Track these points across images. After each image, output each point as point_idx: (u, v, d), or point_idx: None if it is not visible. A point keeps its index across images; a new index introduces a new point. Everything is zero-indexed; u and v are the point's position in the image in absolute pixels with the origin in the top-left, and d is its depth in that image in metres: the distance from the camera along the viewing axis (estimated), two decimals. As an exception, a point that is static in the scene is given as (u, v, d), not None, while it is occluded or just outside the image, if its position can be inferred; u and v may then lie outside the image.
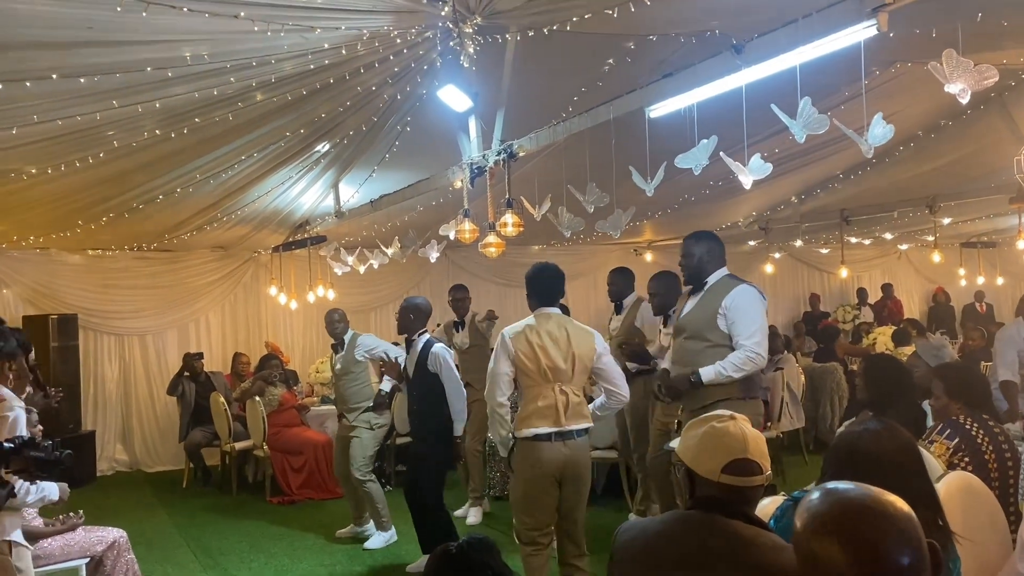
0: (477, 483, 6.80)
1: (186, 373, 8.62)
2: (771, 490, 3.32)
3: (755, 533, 1.94)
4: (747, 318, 4.13)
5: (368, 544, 6.09)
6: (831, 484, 1.49)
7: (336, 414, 8.06)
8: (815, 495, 1.47)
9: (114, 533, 4.52)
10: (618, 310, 6.26)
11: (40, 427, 4.35)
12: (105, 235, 8.23)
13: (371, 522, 6.27)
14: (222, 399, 8.05)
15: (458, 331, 7.07)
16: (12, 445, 2.94)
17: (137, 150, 5.39)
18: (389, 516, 6.19)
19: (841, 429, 2.43)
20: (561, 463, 4.07)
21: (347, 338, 6.44)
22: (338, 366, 6.42)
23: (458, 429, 5.22)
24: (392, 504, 6.33)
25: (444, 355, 5.25)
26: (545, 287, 4.27)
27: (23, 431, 3.70)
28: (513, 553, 5.30)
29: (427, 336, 5.42)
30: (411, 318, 5.47)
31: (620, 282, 6.26)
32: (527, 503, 4.13)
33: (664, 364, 4.81)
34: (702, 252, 4.33)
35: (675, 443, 2.18)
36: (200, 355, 8.86)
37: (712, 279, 4.32)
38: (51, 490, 3.68)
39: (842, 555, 1.36)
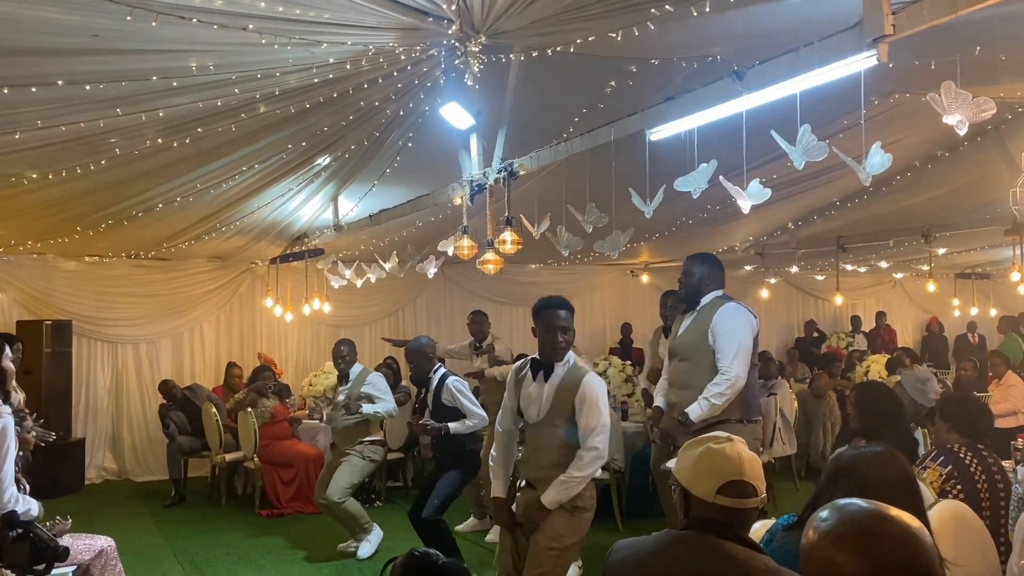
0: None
1: (166, 402, 8.56)
2: (762, 515, 3.33)
3: (749, 555, 1.95)
4: (728, 337, 4.15)
5: (360, 554, 6.08)
6: (844, 501, 1.52)
7: (328, 427, 8.08)
8: (828, 511, 1.49)
9: (102, 541, 4.47)
10: (668, 333, 6.18)
11: (33, 434, 4.33)
12: (103, 242, 8.23)
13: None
14: (213, 409, 8.02)
15: (476, 352, 7.15)
16: (16, 533, 2.89)
17: (138, 158, 5.41)
18: (369, 519, 6.21)
19: (842, 450, 2.45)
20: None
21: (355, 372, 6.41)
22: (340, 398, 6.38)
23: (455, 428, 5.24)
24: (383, 520, 6.31)
25: (457, 386, 5.31)
26: None
27: (12, 440, 3.68)
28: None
29: (442, 371, 5.46)
30: (417, 363, 5.50)
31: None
32: (578, 547, 3.80)
33: (657, 398, 4.74)
34: (702, 273, 4.37)
35: (672, 463, 2.19)
36: (168, 381, 8.81)
37: (705, 300, 4.37)
38: None
39: (864, 568, 1.39)
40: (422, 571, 1.99)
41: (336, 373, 8.41)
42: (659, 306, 6.38)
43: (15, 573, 3.06)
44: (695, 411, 4.12)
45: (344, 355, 6.42)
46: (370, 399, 6.21)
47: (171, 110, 4.61)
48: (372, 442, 6.29)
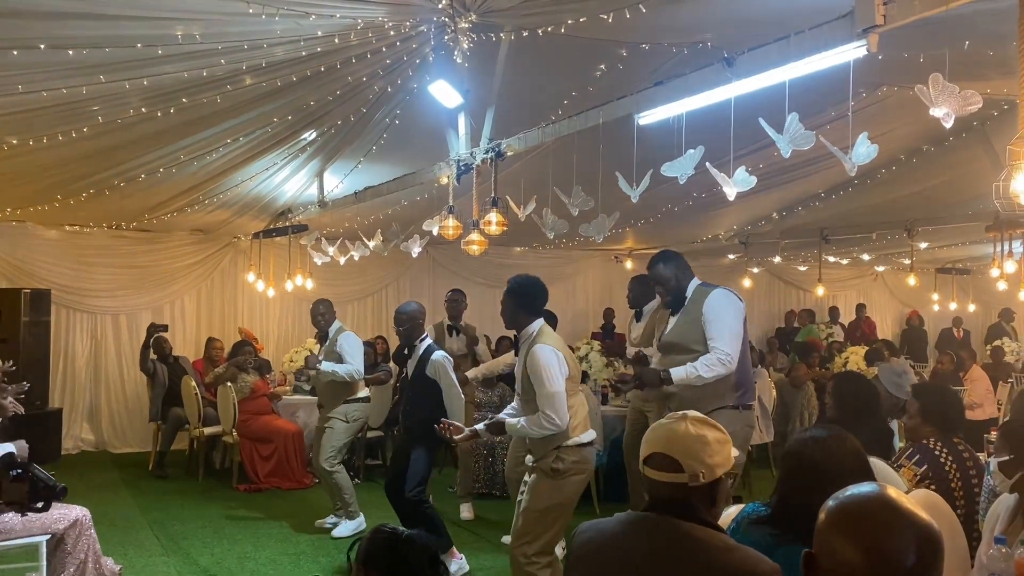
0: (470, 482, 6.88)
1: (154, 356, 8.51)
2: (738, 500, 3.35)
3: (707, 535, 1.97)
4: (718, 321, 4.17)
5: (336, 532, 6.08)
6: (856, 486, 1.52)
7: (308, 404, 8.09)
8: (844, 492, 1.50)
9: (77, 511, 4.45)
10: (638, 317, 6.30)
11: (10, 400, 4.29)
12: (83, 211, 8.14)
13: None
14: (193, 383, 7.99)
15: (452, 335, 7.13)
16: (17, 473, 2.89)
17: (122, 127, 5.34)
18: (357, 505, 6.20)
19: (801, 440, 2.45)
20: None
21: (332, 330, 6.38)
22: (320, 356, 6.39)
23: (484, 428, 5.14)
24: (362, 499, 6.32)
25: (444, 363, 5.27)
26: (544, 299, 4.17)
27: None
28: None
29: (428, 342, 5.42)
30: (409, 327, 5.45)
31: (640, 289, 6.28)
32: (565, 509, 4.00)
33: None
34: (674, 273, 4.37)
35: None
36: (165, 327, 8.66)
37: (689, 291, 4.37)
38: None
39: (856, 552, 1.40)
40: (388, 546, 2.01)
41: (318, 347, 8.44)
42: (627, 291, 6.42)
43: (14, 511, 3.05)
44: (679, 372, 4.14)
45: (320, 313, 6.40)
46: (339, 357, 6.18)
47: (155, 79, 4.55)
48: (355, 400, 6.28)
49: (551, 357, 3.83)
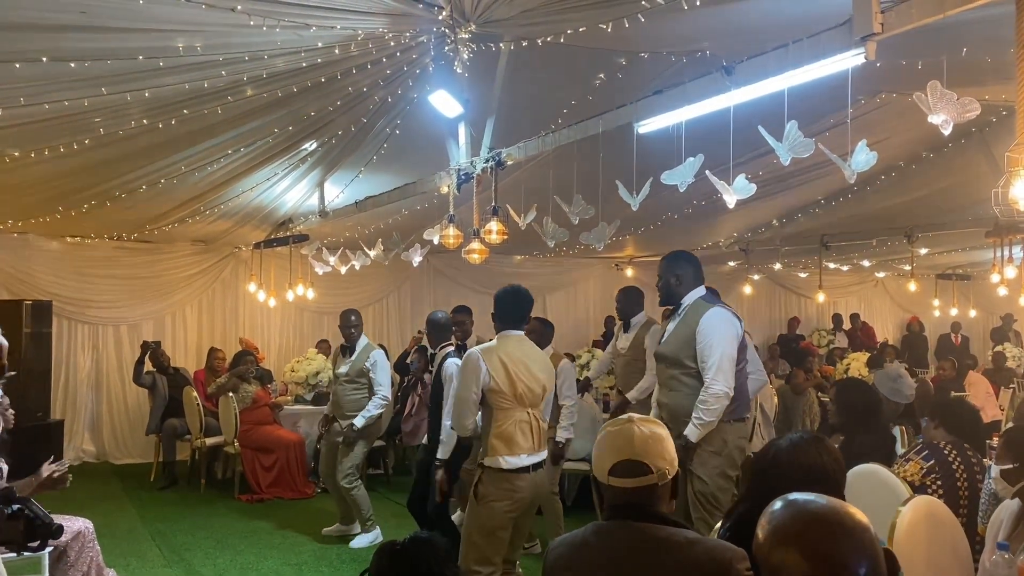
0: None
1: (152, 368, 8.51)
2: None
3: (669, 533, 1.98)
4: (709, 347, 4.03)
5: (354, 543, 6.11)
6: (793, 496, 1.51)
7: (309, 414, 8.09)
8: (777, 505, 1.49)
9: (79, 523, 4.45)
10: (626, 328, 6.26)
11: (12, 411, 4.29)
12: (85, 223, 8.16)
13: (356, 521, 6.30)
14: (195, 393, 7.99)
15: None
16: (13, 510, 2.85)
17: (123, 139, 5.36)
18: (374, 518, 6.24)
19: (766, 442, 2.41)
20: (532, 495, 3.95)
21: (360, 345, 6.39)
22: (343, 369, 6.35)
23: (442, 452, 4.73)
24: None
25: (453, 371, 5.10)
26: (516, 309, 4.12)
27: None
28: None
29: (448, 350, 5.37)
30: (429, 333, 5.56)
31: (626, 301, 6.23)
32: (486, 534, 3.87)
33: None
34: (675, 274, 4.26)
35: None
36: (157, 343, 8.71)
37: (687, 301, 4.24)
38: None
39: (802, 564, 1.38)
40: (393, 560, 1.99)
41: (317, 360, 8.47)
42: (615, 302, 6.34)
43: (10, 550, 3.02)
44: (692, 433, 4.02)
45: (353, 324, 6.38)
46: (368, 375, 6.26)
47: (157, 90, 4.57)
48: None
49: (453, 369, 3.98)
